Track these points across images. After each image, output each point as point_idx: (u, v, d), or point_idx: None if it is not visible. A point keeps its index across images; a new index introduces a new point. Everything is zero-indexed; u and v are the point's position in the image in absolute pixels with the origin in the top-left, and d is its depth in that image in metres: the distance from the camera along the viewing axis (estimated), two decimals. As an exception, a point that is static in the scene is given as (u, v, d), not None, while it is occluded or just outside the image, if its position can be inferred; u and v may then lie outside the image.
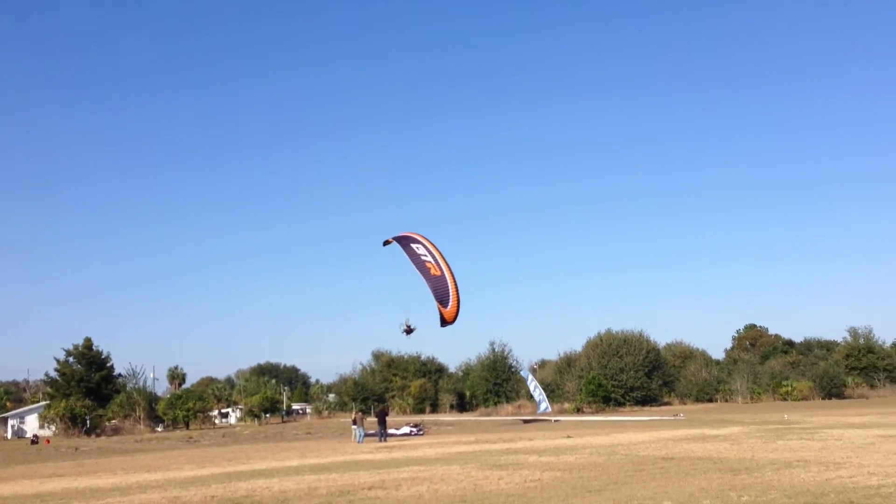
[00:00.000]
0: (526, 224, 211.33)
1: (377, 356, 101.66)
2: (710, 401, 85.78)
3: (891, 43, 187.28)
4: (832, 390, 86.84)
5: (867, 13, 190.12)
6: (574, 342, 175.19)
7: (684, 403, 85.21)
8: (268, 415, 79.73)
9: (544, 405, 59.60)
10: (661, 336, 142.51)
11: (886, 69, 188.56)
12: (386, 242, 41.80)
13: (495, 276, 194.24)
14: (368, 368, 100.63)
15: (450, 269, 39.17)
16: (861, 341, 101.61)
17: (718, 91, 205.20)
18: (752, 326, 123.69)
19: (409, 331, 41.88)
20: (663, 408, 78.64)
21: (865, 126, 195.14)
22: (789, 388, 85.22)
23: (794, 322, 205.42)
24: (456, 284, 39.14)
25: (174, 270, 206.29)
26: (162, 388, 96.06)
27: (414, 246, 39.98)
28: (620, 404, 79.46)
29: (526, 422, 56.78)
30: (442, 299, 39.62)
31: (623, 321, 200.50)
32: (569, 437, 35.47)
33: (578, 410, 74.67)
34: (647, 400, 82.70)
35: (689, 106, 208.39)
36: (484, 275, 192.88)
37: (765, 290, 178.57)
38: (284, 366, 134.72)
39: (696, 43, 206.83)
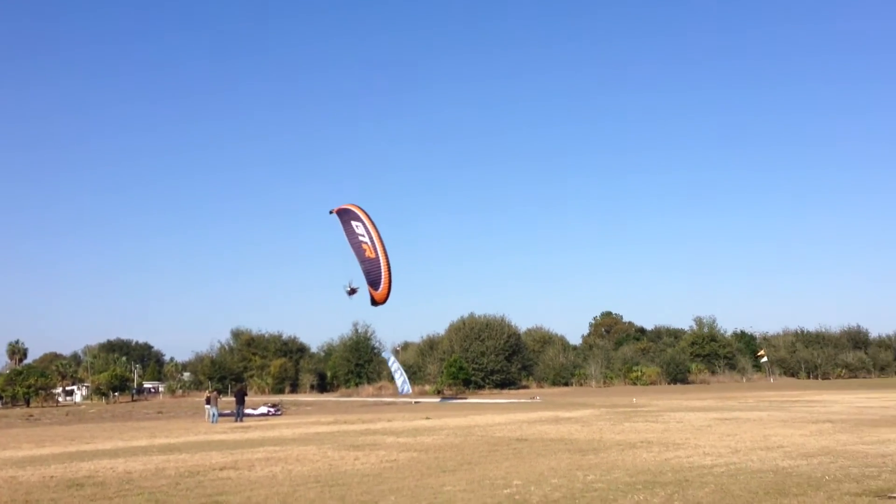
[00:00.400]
0: (391, 207, 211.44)
1: (236, 335, 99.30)
2: (566, 384, 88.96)
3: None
4: (677, 376, 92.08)
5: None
6: (437, 325, 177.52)
7: (542, 387, 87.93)
8: (116, 393, 76.32)
9: (405, 387, 60.01)
10: (523, 321, 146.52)
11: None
12: (331, 212, 41.51)
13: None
14: (227, 347, 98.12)
15: (385, 252, 39.03)
16: (705, 330, 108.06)
17: (581, 82, 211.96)
18: (608, 314, 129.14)
19: (352, 292, 42.30)
20: (521, 391, 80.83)
21: (711, 119, 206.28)
22: (639, 374, 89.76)
23: (647, 310, 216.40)
24: (389, 268, 39.05)
25: (17, 239, 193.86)
26: (0, 363, 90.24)
27: (354, 224, 39.84)
28: (480, 387, 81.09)
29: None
30: (374, 282, 39.89)
31: (486, 306, 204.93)
32: (428, 418, 35.84)
33: (439, 392, 75.63)
34: (507, 383, 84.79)
35: (557, 94, 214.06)
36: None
37: (621, 280, 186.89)
38: (137, 342, 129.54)
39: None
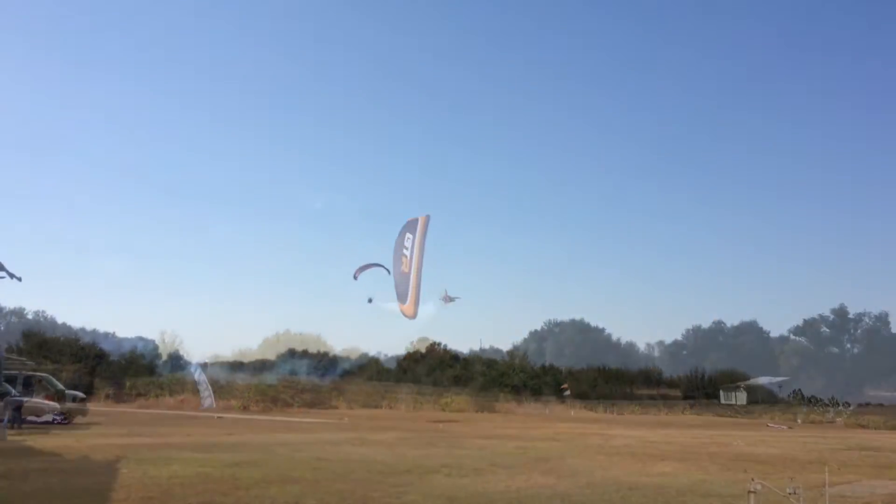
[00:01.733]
0: (210, 221, 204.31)
1: (28, 336, 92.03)
2: (377, 407, 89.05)
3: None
4: (486, 404, 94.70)
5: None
6: (251, 340, 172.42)
7: (352, 408, 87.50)
8: None
9: (209, 401, 57.85)
10: (339, 341, 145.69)
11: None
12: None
13: (175, 268, 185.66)
14: (15, 349, 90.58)
15: (418, 272, 42.35)
16: (517, 361, 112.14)
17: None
18: (425, 339, 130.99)
19: (449, 300, 46.35)
20: (331, 411, 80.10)
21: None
22: (449, 400, 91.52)
23: (466, 338, 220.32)
24: (418, 287, 42.32)
25: None
26: None
27: (407, 236, 41.79)
28: (289, 405, 79.63)
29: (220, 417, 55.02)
30: (401, 296, 43.03)
31: (303, 324, 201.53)
32: (230, 434, 34.78)
33: (245, 408, 73.51)
34: (317, 402, 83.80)
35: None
36: (164, 266, 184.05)
37: (445, 307, 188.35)
38: None
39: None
